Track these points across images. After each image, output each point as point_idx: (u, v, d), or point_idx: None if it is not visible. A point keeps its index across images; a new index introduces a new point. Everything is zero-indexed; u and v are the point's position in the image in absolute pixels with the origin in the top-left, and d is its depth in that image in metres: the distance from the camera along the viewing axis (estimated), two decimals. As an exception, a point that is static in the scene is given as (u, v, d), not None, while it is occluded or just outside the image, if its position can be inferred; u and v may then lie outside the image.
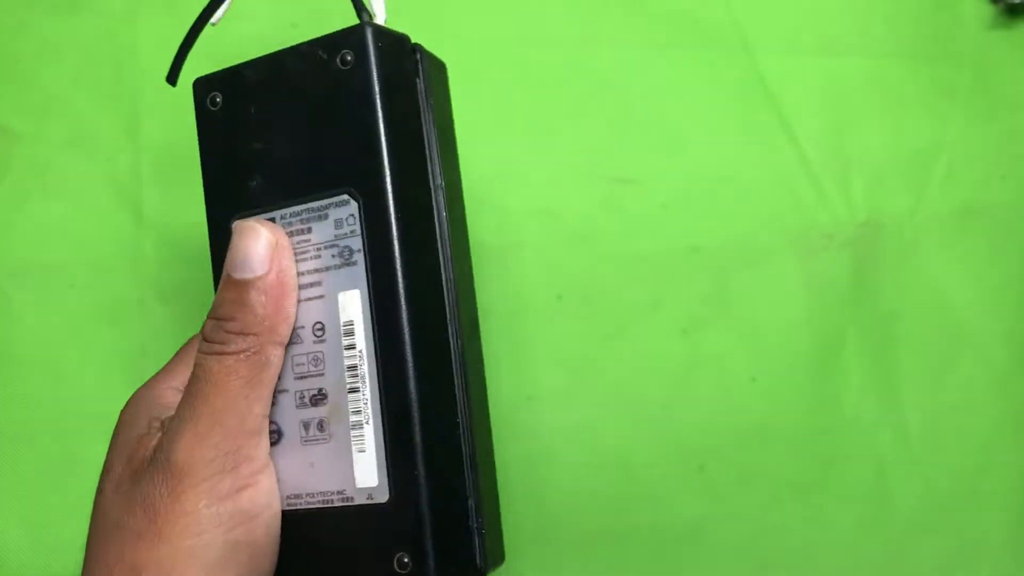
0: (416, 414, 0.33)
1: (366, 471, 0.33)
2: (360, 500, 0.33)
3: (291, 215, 0.34)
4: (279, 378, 0.33)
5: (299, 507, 0.34)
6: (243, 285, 0.32)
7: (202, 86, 0.36)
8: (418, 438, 0.33)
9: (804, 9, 0.54)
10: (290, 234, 0.34)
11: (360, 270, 0.33)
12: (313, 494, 0.34)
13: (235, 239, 0.32)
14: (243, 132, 0.35)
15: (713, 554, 0.51)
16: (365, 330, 0.33)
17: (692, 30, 0.53)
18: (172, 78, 0.36)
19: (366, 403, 0.33)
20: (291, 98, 0.34)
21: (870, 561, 0.51)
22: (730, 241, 0.52)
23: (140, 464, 0.32)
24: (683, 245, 0.52)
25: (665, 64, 0.53)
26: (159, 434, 0.32)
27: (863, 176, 0.53)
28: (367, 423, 0.33)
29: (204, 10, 0.36)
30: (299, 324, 0.34)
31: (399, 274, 0.33)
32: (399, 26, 0.53)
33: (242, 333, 0.32)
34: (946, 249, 0.53)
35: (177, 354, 0.37)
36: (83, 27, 0.51)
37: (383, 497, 0.33)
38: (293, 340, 0.34)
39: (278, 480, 0.33)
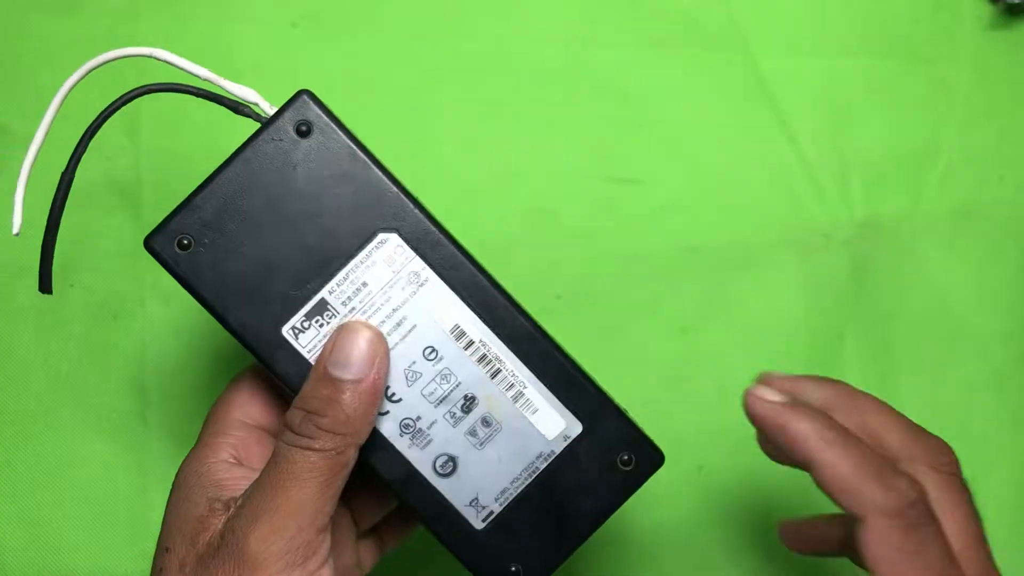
0: (554, 349, 0.36)
1: (550, 421, 0.36)
2: (560, 447, 0.36)
3: (339, 283, 0.35)
4: (423, 420, 0.35)
5: (514, 495, 0.36)
6: (340, 384, 0.33)
7: (161, 242, 0.35)
8: (569, 365, 0.36)
9: (803, 9, 0.54)
10: (348, 298, 0.35)
11: (435, 282, 0.35)
12: (518, 476, 0.36)
13: (339, 336, 0.33)
14: (237, 251, 0.35)
15: (712, 554, 0.51)
16: (472, 322, 0.36)
17: (691, 30, 0.53)
18: (45, 286, 0.36)
19: (513, 374, 0.36)
20: (269, 191, 0.35)
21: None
22: (729, 241, 0.52)
23: (206, 549, 0.32)
24: (682, 245, 0.52)
25: (664, 64, 0.53)
26: (224, 515, 0.33)
27: (862, 176, 0.53)
28: (525, 388, 0.36)
29: (54, 210, 0.36)
30: (409, 362, 0.35)
31: (468, 262, 0.36)
32: (398, 25, 0.53)
33: (331, 432, 0.32)
34: (944, 249, 0.53)
35: (213, 423, 0.37)
36: (83, 27, 0.51)
37: (577, 429, 0.36)
38: (412, 378, 0.36)
39: (480, 489, 0.36)
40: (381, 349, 0.34)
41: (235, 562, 0.31)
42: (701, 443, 0.51)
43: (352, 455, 0.33)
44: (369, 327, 0.34)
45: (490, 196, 0.52)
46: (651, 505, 0.51)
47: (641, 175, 0.53)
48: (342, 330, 0.34)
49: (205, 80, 0.35)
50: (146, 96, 0.35)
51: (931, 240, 0.53)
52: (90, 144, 0.35)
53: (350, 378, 0.33)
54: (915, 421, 0.52)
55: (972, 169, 0.54)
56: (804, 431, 0.34)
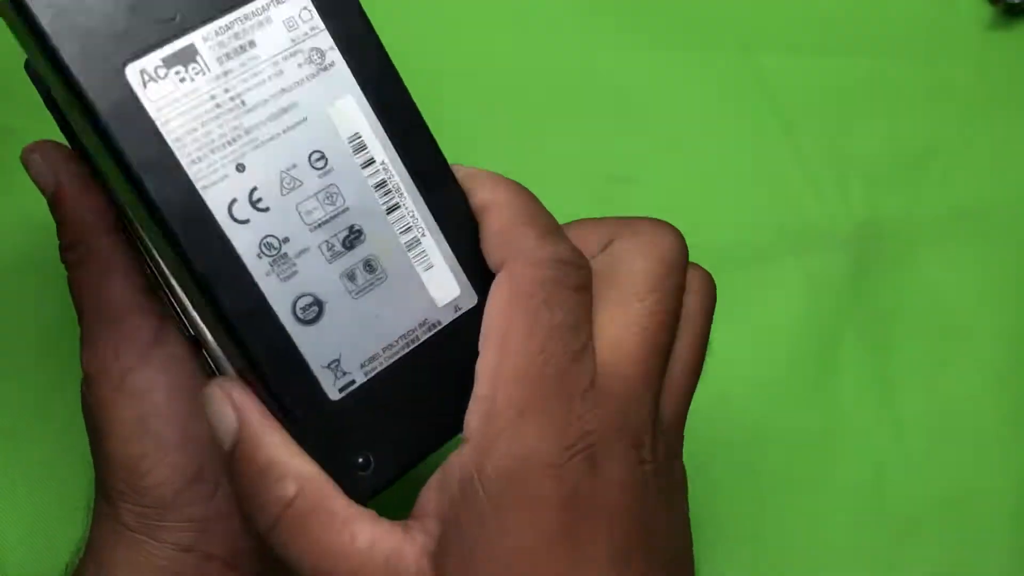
0: (467, 205, 0.29)
1: (443, 285, 0.29)
2: (448, 318, 0.29)
3: (218, 32, 0.26)
4: (292, 243, 0.27)
5: (383, 365, 0.28)
6: (50, 205, 0.35)
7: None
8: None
9: (803, 9, 0.54)
10: (227, 55, 0.26)
11: (342, 71, 0.28)
12: (393, 343, 0.29)
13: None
14: None
15: (710, 553, 0.51)
16: (378, 136, 0.28)
17: (690, 29, 0.53)
18: None
19: (413, 215, 0.29)
20: None
21: (868, 560, 0.51)
22: (727, 240, 0.52)
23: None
24: (681, 244, 0.52)
25: (663, 62, 0.53)
26: None
27: (861, 176, 0.53)
28: (424, 235, 0.29)
29: None
30: (288, 164, 0.27)
31: (389, 59, 0.29)
32: (398, 25, 0.53)
33: (70, 247, 0.34)
34: (944, 249, 0.53)
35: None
36: (81, 25, 0.51)
37: (472, 302, 0.29)
38: (289, 185, 0.27)
39: (344, 349, 0.28)
40: (51, 154, 0.34)
41: (85, 384, 0.36)
42: (699, 443, 0.51)
43: (100, 242, 0.34)
44: (38, 145, 0.35)
45: (489, 195, 0.52)
46: (649, 505, 0.51)
47: (640, 174, 0.53)
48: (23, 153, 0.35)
49: None
50: None
51: (930, 240, 0.53)
52: None
53: (48, 193, 0.34)
54: (914, 420, 0.52)
55: (972, 169, 0.54)
56: (480, 173, 0.30)
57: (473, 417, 0.26)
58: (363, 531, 0.26)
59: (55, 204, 0.34)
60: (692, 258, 0.54)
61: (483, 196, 0.29)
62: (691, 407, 0.52)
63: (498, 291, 0.27)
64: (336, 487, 0.27)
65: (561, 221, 0.52)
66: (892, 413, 0.52)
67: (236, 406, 0.27)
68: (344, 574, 0.26)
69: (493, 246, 0.28)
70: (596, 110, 0.53)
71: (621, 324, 0.28)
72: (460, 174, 0.30)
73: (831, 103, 0.54)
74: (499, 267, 0.28)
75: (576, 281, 0.28)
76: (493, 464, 0.26)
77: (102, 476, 0.35)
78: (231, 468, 0.27)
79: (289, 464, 0.26)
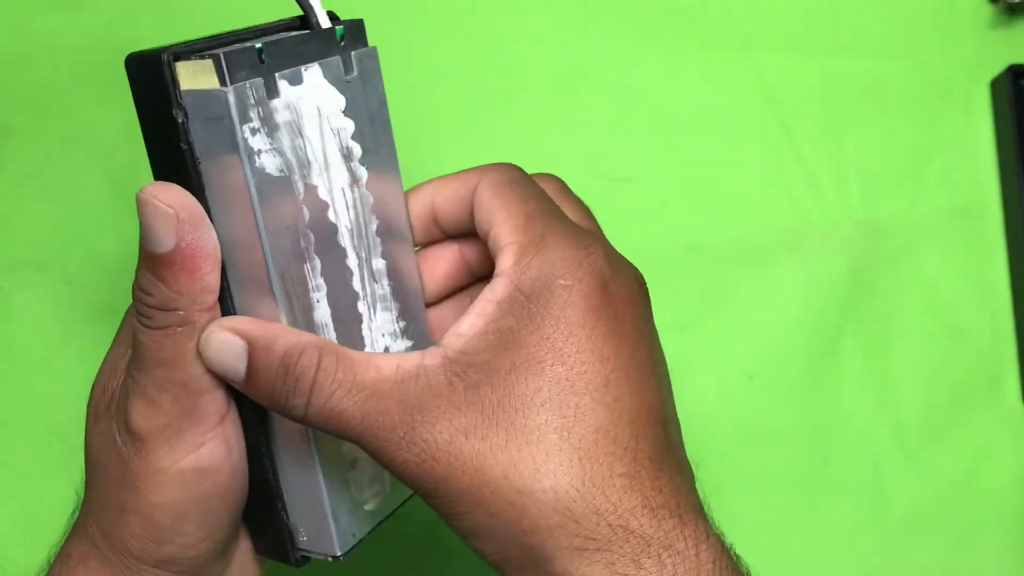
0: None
1: None
2: None
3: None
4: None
5: None
6: (154, 259, 0.30)
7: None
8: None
9: (802, 8, 0.54)
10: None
11: None
12: None
13: (139, 210, 0.30)
14: None
15: (710, 552, 0.51)
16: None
17: (690, 28, 0.53)
18: None
19: None
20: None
21: (867, 558, 0.51)
22: (727, 239, 0.53)
23: (106, 415, 0.33)
24: (681, 243, 0.52)
25: (663, 62, 0.53)
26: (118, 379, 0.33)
27: (860, 175, 0.53)
28: None
29: None
30: None
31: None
32: (397, 24, 0.53)
33: (162, 308, 0.31)
34: (942, 248, 0.53)
35: (125, 318, 0.37)
36: (82, 24, 0.51)
37: None
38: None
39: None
40: (182, 215, 0.30)
41: (127, 435, 0.32)
42: (699, 441, 0.51)
43: (201, 319, 0.31)
44: (168, 190, 0.30)
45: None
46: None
47: (640, 173, 0.53)
48: (138, 203, 0.30)
49: None
50: None
51: (929, 239, 0.53)
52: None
53: (162, 252, 0.30)
54: (913, 420, 0.52)
55: (970, 169, 0.54)
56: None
57: (505, 259, 0.31)
58: (385, 362, 0.30)
59: (161, 264, 0.30)
60: (691, 256, 0.54)
61: (426, 189, 0.35)
62: (691, 405, 0.52)
63: (483, 191, 0.33)
64: (346, 348, 0.30)
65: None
66: (890, 411, 0.52)
67: (236, 331, 0.30)
68: (384, 400, 0.29)
69: (461, 184, 0.34)
70: (596, 110, 0.53)
71: (570, 207, 0.35)
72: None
73: (831, 103, 0.54)
74: (468, 193, 0.34)
75: (529, 176, 0.35)
76: (530, 276, 0.30)
77: (118, 531, 0.33)
78: (253, 383, 0.30)
79: (301, 341, 0.30)
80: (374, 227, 0.34)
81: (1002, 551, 0.51)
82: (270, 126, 0.30)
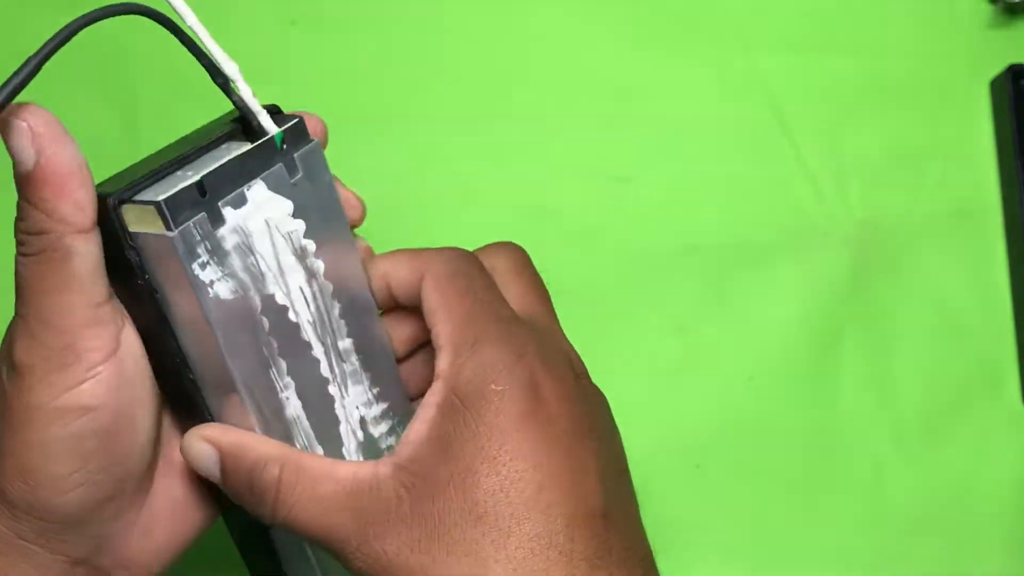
0: None
1: None
2: None
3: None
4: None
5: None
6: (22, 181, 0.30)
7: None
8: None
9: (802, 8, 0.54)
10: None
11: None
12: None
13: (4, 133, 0.30)
14: None
15: (709, 552, 0.51)
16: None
17: (690, 28, 0.53)
18: None
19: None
20: None
21: (867, 558, 0.51)
22: (727, 239, 0.52)
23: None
24: (680, 243, 0.52)
25: (663, 61, 0.53)
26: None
27: (860, 175, 0.53)
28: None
29: None
30: None
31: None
32: (397, 24, 0.53)
33: (35, 232, 0.30)
34: (942, 248, 0.53)
35: None
36: (82, 24, 0.51)
37: None
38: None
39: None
40: (37, 128, 0.29)
41: (11, 370, 0.31)
42: (698, 441, 0.51)
43: (74, 242, 0.29)
44: (21, 111, 0.29)
45: (489, 194, 0.52)
46: (648, 503, 0.51)
47: (639, 173, 0.53)
48: (3, 126, 0.29)
49: (195, 35, 0.32)
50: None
51: (929, 239, 0.53)
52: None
53: (25, 170, 0.29)
54: (912, 420, 0.52)
55: (970, 169, 0.54)
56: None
57: (442, 361, 0.32)
58: (341, 474, 0.32)
59: (28, 183, 0.29)
60: (690, 256, 0.54)
61: (382, 265, 0.36)
62: (691, 405, 0.52)
63: (427, 286, 0.34)
64: (308, 454, 0.33)
65: (569, 222, 0.53)
66: (890, 411, 0.52)
67: (209, 440, 0.33)
68: (340, 513, 0.31)
69: (410, 272, 0.35)
70: (596, 110, 0.53)
71: (522, 287, 0.36)
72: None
73: (830, 103, 0.54)
74: (417, 280, 0.34)
75: (476, 264, 0.35)
76: (464, 379, 0.32)
77: None
78: (228, 488, 0.33)
79: (264, 454, 0.32)
80: (336, 311, 0.34)
81: (1002, 551, 0.51)
82: (219, 255, 0.31)
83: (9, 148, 0.29)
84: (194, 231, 0.30)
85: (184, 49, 0.33)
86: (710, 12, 0.53)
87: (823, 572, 0.51)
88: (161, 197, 0.29)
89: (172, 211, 0.29)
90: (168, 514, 0.35)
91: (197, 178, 0.30)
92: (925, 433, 0.52)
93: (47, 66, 0.51)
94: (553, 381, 0.33)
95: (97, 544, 0.33)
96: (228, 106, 0.33)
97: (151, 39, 0.51)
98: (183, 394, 0.33)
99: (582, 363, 0.36)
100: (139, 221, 0.30)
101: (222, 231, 0.31)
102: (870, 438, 0.52)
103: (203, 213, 0.30)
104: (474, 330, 0.32)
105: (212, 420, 0.33)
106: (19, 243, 0.30)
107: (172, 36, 0.32)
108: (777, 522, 0.51)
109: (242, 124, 0.33)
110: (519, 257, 0.38)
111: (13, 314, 0.31)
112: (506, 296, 0.35)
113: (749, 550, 0.51)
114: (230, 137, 0.33)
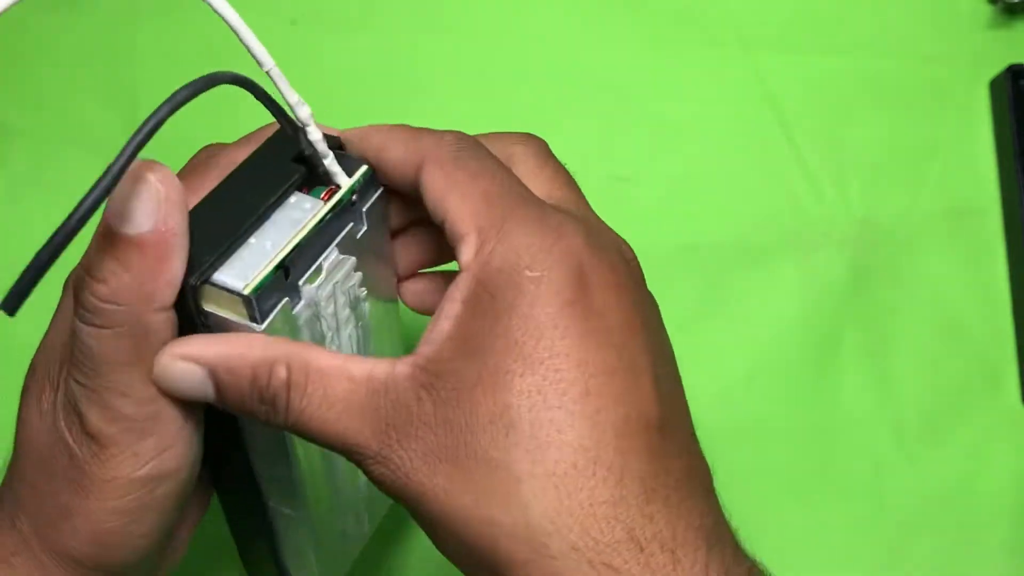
0: None
1: None
2: None
3: None
4: None
5: None
6: (120, 241, 0.26)
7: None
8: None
9: (802, 8, 0.54)
10: None
11: None
12: None
13: (121, 184, 0.25)
14: None
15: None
16: None
17: (690, 27, 0.54)
18: (9, 305, 0.26)
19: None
20: None
21: (867, 559, 0.51)
22: (727, 239, 0.53)
23: (56, 409, 0.30)
24: (680, 243, 0.52)
25: (662, 61, 0.53)
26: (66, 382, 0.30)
27: (860, 175, 0.53)
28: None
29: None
30: None
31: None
32: (398, 24, 0.53)
33: (113, 302, 0.26)
34: (942, 248, 0.53)
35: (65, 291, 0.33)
36: (82, 24, 0.51)
37: None
38: None
39: None
40: (173, 192, 0.26)
41: (85, 437, 0.29)
42: (699, 440, 0.51)
43: (152, 320, 0.27)
44: (153, 167, 0.26)
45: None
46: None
47: (639, 173, 0.53)
48: (122, 176, 0.25)
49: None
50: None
51: (929, 239, 0.53)
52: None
53: (134, 233, 0.25)
54: (912, 420, 0.52)
55: (970, 169, 0.54)
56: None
57: (465, 251, 0.27)
58: (356, 372, 0.27)
59: (129, 247, 0.26)
60: (690, 256, 0.54)
61: (376, 139, 0.31)
62: (690, 404, 0.52)
63: (429, 170, 0.29)
64: (315, 348, 0.27)
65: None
66: (890, 411, 0.52)
67: (191, 358, 0.27)
68: (356, 415, 0.27)
69: (406, 154, 0.30)
70: (596, 110, 0.53)
71: (548, 176, 0.31)
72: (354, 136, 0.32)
73: (830, 103, 0.54)
74: (414, 162, 0.30)
75: (485, 149, 0.30)
76: (494, 268, 0.27)
77: (59, 534, 0.30)
78: (227, 403, 0.28)
79: (267, 356, 0.27)
80: (371, 349, 0.33)
81: (1002, 551, 0.51)
82: (294, 334, 0.28)
83: (121, 202, 0.26)
84: (279, 324, 0.27)
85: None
86: (710, 12, 0.53)
87: (823, 572, 0.51)
88: (248, 288, 0.26)
89: (260, 303, 0.26)
90: (190, 523, 0.35)
91: (278, 258, 0.27)
92: (925, 433, 0.52)
93: (47, 68, 0.51)
94: (600, 265, 0.28)
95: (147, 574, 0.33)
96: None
97: (151, 40, 0.51)
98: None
99: (632, 251, 0.31)
100: (216, 302, 0.27)
101: (298, 309, 0.28)
102: (870, 438, 0.52)
103: (286, 299, 0.27)
104: (500, 211, 0.28)
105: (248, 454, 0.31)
106: (87, 309, 0.27)
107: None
108: (777, 522, 0.51)
109: (304, 164, 0.29)
110: (540, 145, 0.33)
111: (59, 374, 0.29)
112: (533, 177, 0.31)
113: (748, 550, 0.51)
114: (295, 185, 0.29)
